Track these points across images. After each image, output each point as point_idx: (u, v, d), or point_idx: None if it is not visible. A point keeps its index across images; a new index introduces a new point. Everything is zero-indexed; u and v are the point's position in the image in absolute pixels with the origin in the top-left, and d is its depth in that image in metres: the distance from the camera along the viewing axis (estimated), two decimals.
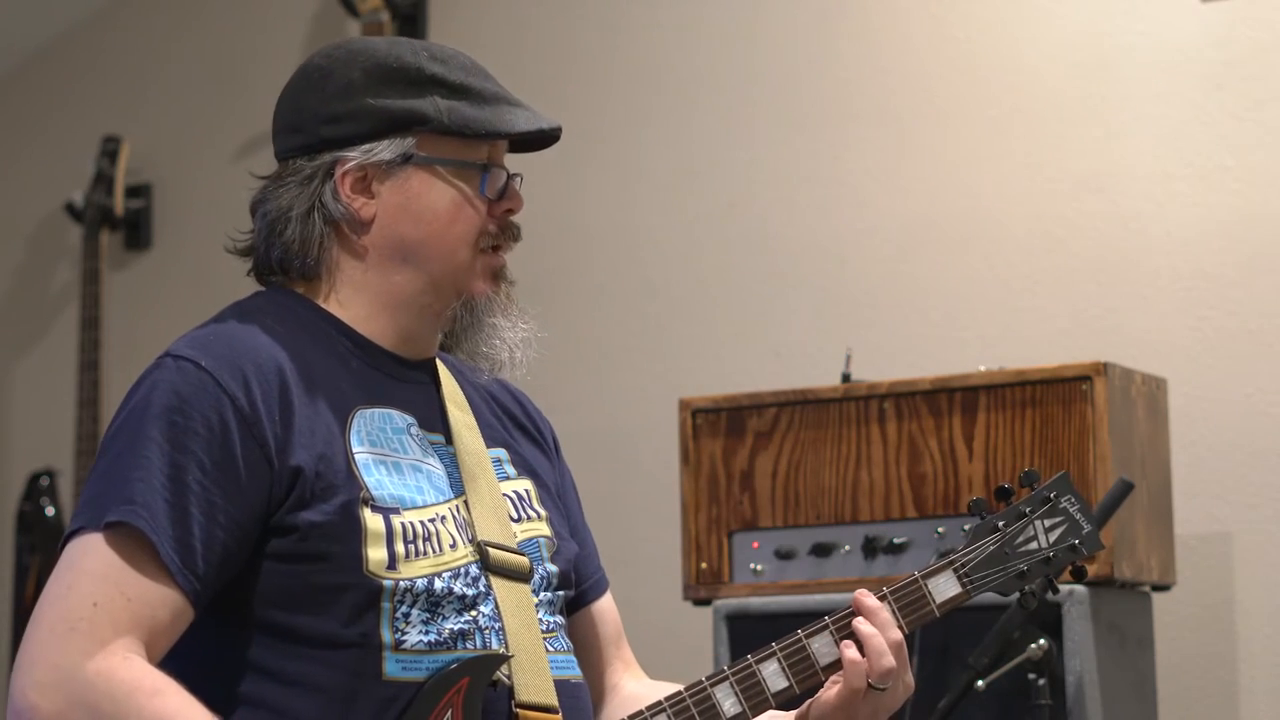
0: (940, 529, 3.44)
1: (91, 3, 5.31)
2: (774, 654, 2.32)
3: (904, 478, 3.49)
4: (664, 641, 3.75)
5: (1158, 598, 3.65)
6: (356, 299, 2.34)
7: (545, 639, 2.31)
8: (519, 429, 2.49)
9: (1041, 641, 3.11)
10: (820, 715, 2.33)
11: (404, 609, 2.21)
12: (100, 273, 5.04)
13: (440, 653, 2.22)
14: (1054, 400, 3.41)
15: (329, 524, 2.19)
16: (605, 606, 2.53)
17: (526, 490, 2.42)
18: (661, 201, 4.58)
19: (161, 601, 2.13)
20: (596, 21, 4.71)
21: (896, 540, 3.48)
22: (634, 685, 2.51)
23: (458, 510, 2.30)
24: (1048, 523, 2.40)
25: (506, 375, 2.40)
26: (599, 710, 2.49)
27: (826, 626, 2.33)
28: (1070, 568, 2.41)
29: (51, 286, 5.36)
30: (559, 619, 2.38)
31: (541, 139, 2.39)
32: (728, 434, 3.63)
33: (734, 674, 2.31)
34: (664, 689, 2.36)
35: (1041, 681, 3.11)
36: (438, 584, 2.23)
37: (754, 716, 2.31)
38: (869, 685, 2.30)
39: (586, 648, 2.48)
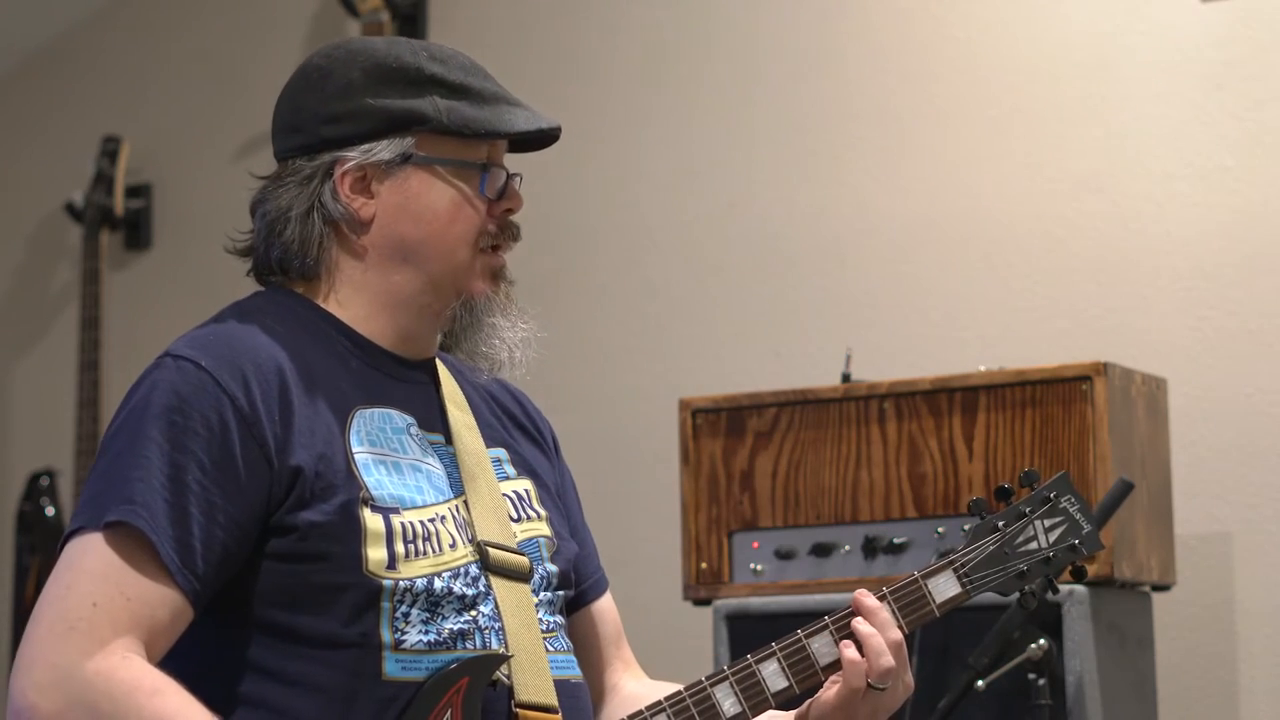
0: (940, 529, 3.44)
1: (91, 3, 5.31)
2: (774, 654, 2.32)
3: (904, 478, 3.49)
4: (664, 641, 3.74)
5: (1158, 598, 3.65)
6: (356, 299, 2.34)
7: (545, 639, 2.31)
8: (519, 429, 2.49)
9: (1041, 641, 3.11)
10: (820, 715, 2.33)
11: (404, 609, 2.21)
12: (100, 273, 5.04)
13: (440, 652, 2.22)
14: (1054, 400, 3.40)
15: (329, 524, 2.19)
16: (605, 606, 2.53)
17: (526, 490, 2.42)
18: (661, 201, 4.57)
19: (161, 601, 2.13)
20: (596, 21, 4.71)
21: (896, 540, 3.48)
22: (634, 685, 2.51)
23: (457, 510, 2.30)
24: (1048, 523, 2.40)
25: (506, 375, 2.40)
26: (599, 710, 2.49)
27: (826, 626, 2.33)
28: (1070, 568, 2.41)
29: (51, 286, 5.36)
30: (559, 619, 2.38)
31: (541, 139, 2.39)
32: (728, 434, 3.63)
33: (734, 674, 2.31)
34: (664, 689, 2.36)
35: (1041, 681, 3.11)
36: (437, 584, 2.23)
37: (754, 716, 2.31)
38: (868, 685, 2.30)
39: (586, 648, 2.48)
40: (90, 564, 2.12)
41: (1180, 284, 4.02)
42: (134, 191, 5.18)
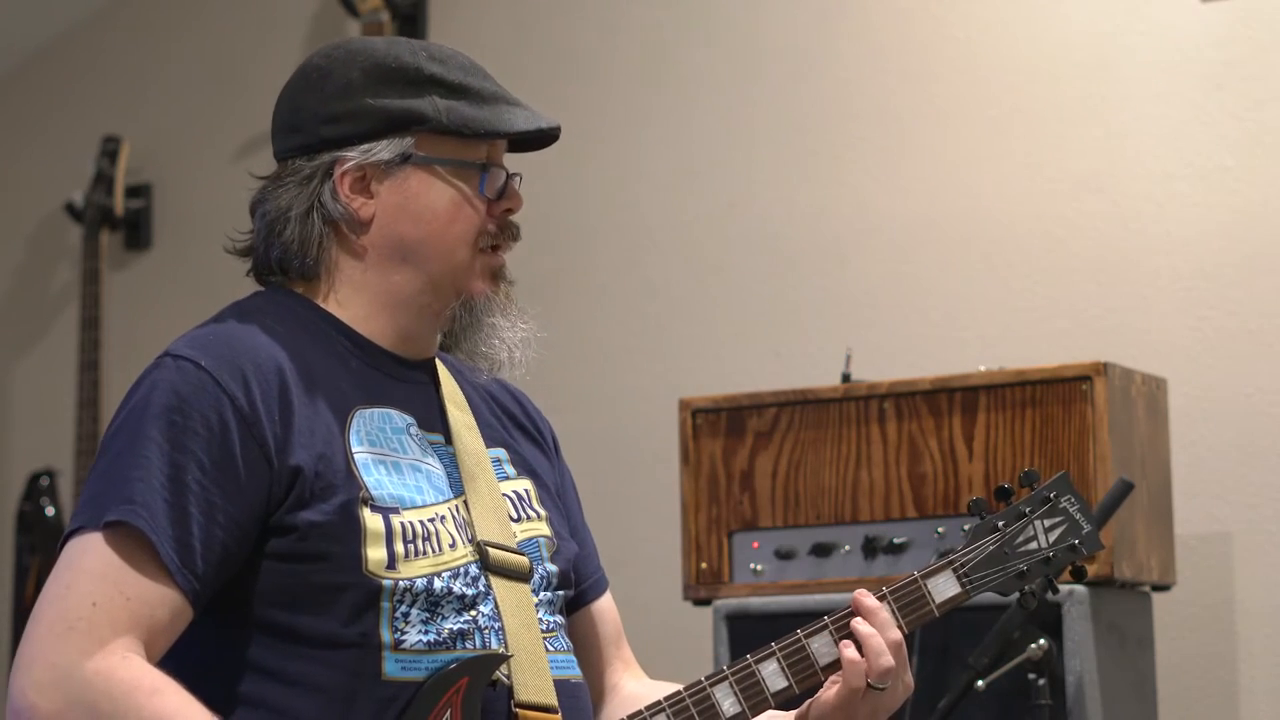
0: (940, 529, 3.44)
1: (91, 3, 5.31)
2: (773, 654, 2.32)
3: (904, 478, 3.49)
4: (664, 641, 3.74)
5: (1158, 598, 3.65)
6: (356, 299, 2.34)
7: (545, 639, 2.31)
8: (518, 429, 2.49)
9: (1041, 641, 3.11)
10: (819, 715, 2.33)
11: (403, 609, 2.21)
12: (100, 273, 5.04)
13: (439, 652, 2.22)
14: (1054, 400, 3.40)
15: (328, 524, 2.19)
16: (605, 606, 2.53)
17: (526, 490, 2.42)
18: (661, 201, 4.58)
19: (160, 601, 2.13)
20: (596, 21, 4.71)
21: (896, 540, 3.48)
22: (634, 685, 2.51)
23: (457, 510, 2.30)
24: (1047, 523, 2.40)
25: (506, 375, 2.39)
26: (599, 710, 2.49)
27: (826, 626, 2.33)
28: (1070, 568, 2.41)
29: (51, 286, 5.36)
30: (559, 619, 2.38)
31: (541, 138, 2.39)
32: (728, 434, 3.63)
33: (733, 674, 2.31)
34: (664, 689, 2.36)
35: (1041, 681, 3.11)
36: (437, 584, 2.23)
37: (753, 716, 2.31)
38: (868, 685, 2.30)
39: (586, 647, 2.48)
40: (90, 564, 2.12)
41: (1180, 284, 4.02)
42: (134, 191, 5.18)
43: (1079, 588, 3.29)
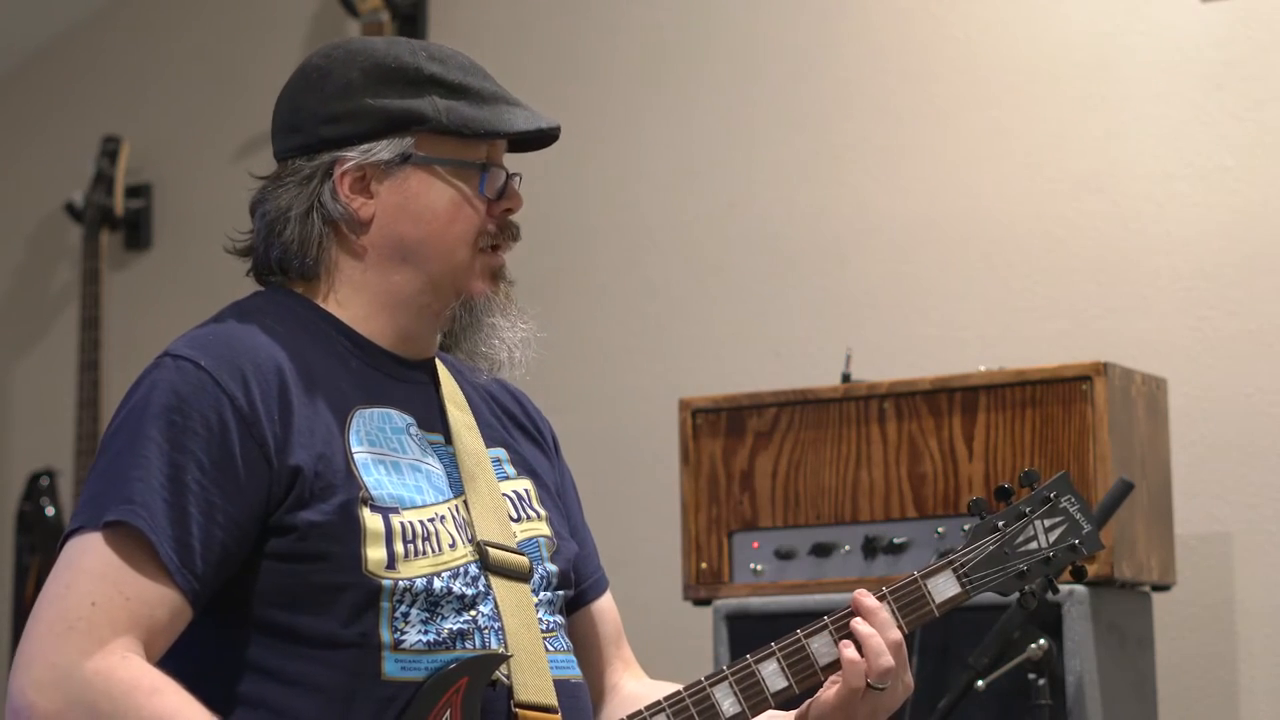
0: (940, 529, 3.44)
1: (91, 3, 5.31)
2: (773, 654, 2.32)
3: (904, 478, 3.49)
4: (664, 641, 3.74)
5: (1158, 598, 3.65)
6: (355, 299, 2.34)
7: (545, 639, 2.31)
8: (518, 429, 2.49)
9: (1041, 641, 3.11)
10: (819, 715, 2.33)
11: (403, 609, 2.20)
12: (100, 273, 5.04)
13: (439, 652, 2.21)
14: (1054, 400, 3.40)
15: (328, 524, 2.19)
16: (605, 606, 2.53)
17: (526, 490, 2.42)
18: (661, 201, 4.57)
19: (160, 601, 2.13)
20: (596, 21, 4.71)
21: (896, 540, 3.47)
22: (634, 685, 2.51)
23: (457, 510, 2.30)
24: (1048, 523, 2.40)
25: (506, 375, 2.39)
26: (598, 710, 2.49)
27: (825, 626, 2.33)
28: (1070, 568, 2.41)
29: (51, 286, 5.36)
30: (559, 619, 2.38)
31: (541, 138, 2.39)
32: (728, 434, 3.63)
33: (733, 674, 2.31)
34: (664, 689, 2.36)
35: (1041, 681, 3.11)
36: (437, 584, 2.23)
37: (753, 716, 2.31)
38: (868, 685, 2.30)
39: (586, 647, 2.48)
40: (89, 563, 2.12)
41: (1180, 284, 4.02)
42: (134, 191, 5.18)
43: (1079, 588, 3.29)
